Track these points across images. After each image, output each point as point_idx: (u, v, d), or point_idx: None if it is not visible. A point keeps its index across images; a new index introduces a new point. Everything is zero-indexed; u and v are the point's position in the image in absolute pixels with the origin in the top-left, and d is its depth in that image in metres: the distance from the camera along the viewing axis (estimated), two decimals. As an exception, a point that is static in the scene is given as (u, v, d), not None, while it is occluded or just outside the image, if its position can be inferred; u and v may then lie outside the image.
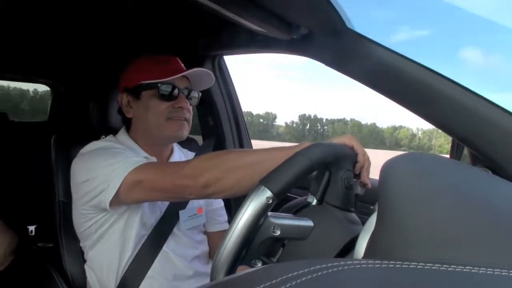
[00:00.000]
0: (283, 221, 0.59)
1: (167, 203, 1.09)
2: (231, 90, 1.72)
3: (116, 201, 0.93)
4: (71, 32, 1.62)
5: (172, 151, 1.18)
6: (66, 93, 2.37)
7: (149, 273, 1.01)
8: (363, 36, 0.89)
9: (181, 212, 1.10)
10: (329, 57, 0.98)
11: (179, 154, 1.21)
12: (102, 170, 0.92)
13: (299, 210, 0.66)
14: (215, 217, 1.24)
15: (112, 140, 1.08)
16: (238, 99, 1.75)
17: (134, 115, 1.09)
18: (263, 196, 0.55)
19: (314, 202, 0.67)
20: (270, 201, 0.55)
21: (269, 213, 0.57)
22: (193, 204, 1.14)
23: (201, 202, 1.18)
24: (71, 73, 2.24)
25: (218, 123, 1.69)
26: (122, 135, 1.12)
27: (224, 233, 0.56)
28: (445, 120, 0.80)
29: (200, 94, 1.15)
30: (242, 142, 1.74)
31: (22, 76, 2.36)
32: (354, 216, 0.68)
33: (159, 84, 1.03)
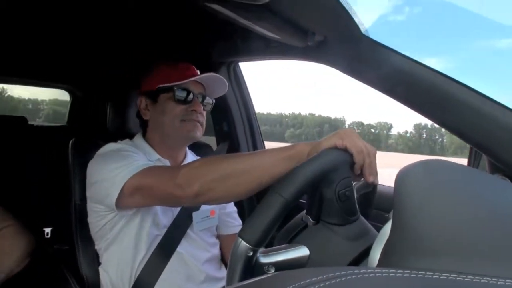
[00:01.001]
0: (276, 257, 0.57)
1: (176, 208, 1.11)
2: (246, 96, 1.73)
3: (121, 204, 0.96)
4: (88, 38, 1.66)
5: (185, 155, 1.20)
6: (84, 97, 2.43)
7: (163, 275, 1.03)
8: (379, 43, 0.89)
9: (194, 214, 1.12)
10: (344, 64, 0.98)
11: (192, 158, 1.23)
12: (108, 174, 0.96)
13: (297, 235, 0.64)
14: (228, 220, 1.26)
15: (126, 143, 1.12)
16: (252, 105, 1.76)
17: (151, 117, 1.14)
18: (243, 251, 0.54)
19: (311, 222, 0.64)
20: (251, 253, 0.54)
21: (260, 253, 0.56)
22: (206, 206, 1.16)
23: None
24: (88, 78, 2.29)
25: (232, 129, 1.70)
26: (138, 138, 1.16)
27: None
28: (462, 128, 0.79)
29: (214, 101, 1.19)
30: (256, 148, 1.75)
31: (40, 81, 2.43)
32: (357, 225, 0.64)
33: (175, 88, 1.08)
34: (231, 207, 1.30)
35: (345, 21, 0.85)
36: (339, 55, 0.99)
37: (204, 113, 1.14)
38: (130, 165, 0.94)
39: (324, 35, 1.01)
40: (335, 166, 0.63)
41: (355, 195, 0.66)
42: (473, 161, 0.89)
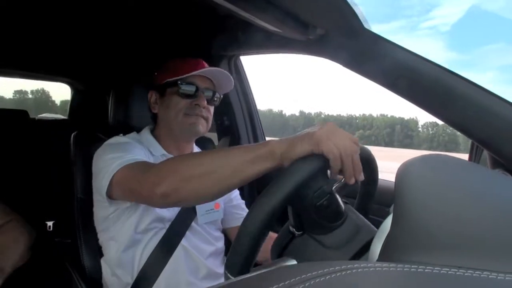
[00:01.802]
0: None
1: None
2: (247, 90, 1.73)
3: (112, 196, 0.96)
4: (89, 32, 1.65)
5: (192, 150, 1.21)
6: (85, 91, 2.43)
7: (167, 267, 1.03)
8: (381, 36, 0.88)
9: (198, 207, 1.12)
10: (346, 58, 0.98)
11: None
12: (103, 164, 0.96)
13: (287, 246, 0.64)
14: (236, 212, 1.26)
15: (131, 137, 1.12)
16: (254, 99, 1.75)
17: (159, 111, 1.15)
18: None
19: (297, 233, 0.63)
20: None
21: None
22: None
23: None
24: (89, 71, 2.28)
25: (234, 123, 1.70)
26: (145, 133, 1.16)
27: None
28: (464, 123, 0.79)
29: (221, 96, 1.18)
30: (257, 142, 1.75)
31: (41, 74, 2.42)
32: (345, 228, 0.62)
33: (179, 82, 1.09)
34: (238, 199, 1.29)
35: (346, 14, 0.85)
36: (340, 49, 0.99)
37: (211, 108, 1.14)
38: (123, 157, 0.93)
39: (326, 28, 1.00)
40: (309, 178, 0.60)
41: (337, 198, 0.63)
42: (474, 156, 0.89)
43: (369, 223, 0.66)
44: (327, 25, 0.99)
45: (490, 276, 0.28)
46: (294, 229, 0.64)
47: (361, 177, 0.66)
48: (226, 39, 1.51)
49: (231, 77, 1.14)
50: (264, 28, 1.05)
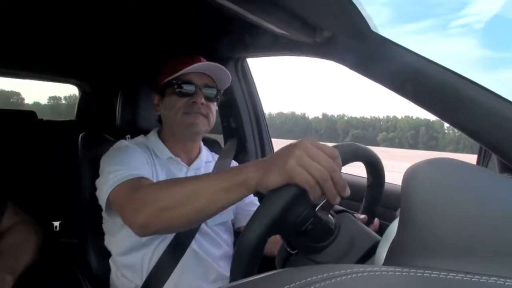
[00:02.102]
0: None
1: None
2: (253, 92, 1.73)
3: (114, 210, 0.97)
4: (97, 33, 1.67)
5: (200, 151, 1.20)
6: (92, 92, 2.45)
7: (176, 270, 1.02)
8: (388, 39, 0.88)
9: None
10: (353, 61, 0.97)
11: (207, 154, 1.22)
12: (103, 181, 0.96)
13: (285, 264, 0.64)
14: (248, 209, 1.22)
15: (136, 141, 1.13)
16: (260, 101, 1.76)
17: (161, 113, 1.14)
18: None
19: (291, 252, 0.63)
20: None
21: None
22: None
23: None
24: (97, 72, 2.30)
25: (240, 125, 1.70)
26: (152, 135, 1.16)
27: None
28: (473, 127, 0.78)
29: (221, 92, 1.15)
30: (263, 144, 1.75)
31: (50, 76, 2.45)
32: (338, 244, 0.61)
33: (174, 81, 1.08)
34: (250, 196, 1.23)
35: (354, 17, 0.85)
36: (347, 51, 0.98)
37: (212, 104, 1.12)
38: (118, 174, 0.92)
39: (333, 31, 1.00)
40: (287, 209, 0.57)
41: (323, 218, 0.61)
42: (483, 160, 0.88)
43: (367, 230, 0.64)
44: (334, 27, 0.99)
45: (498, 282, 0.28)
46: (287, 248, 0.63)
47: (346, 193, 0.61)
48: (232, 41, 1.51)
49: (225, 69, 1.11)
50: (271, 30, 1.05)
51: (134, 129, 1.25)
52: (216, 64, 1.10)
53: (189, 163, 1.15)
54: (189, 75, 1.08)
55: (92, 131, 1.28)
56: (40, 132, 2.04)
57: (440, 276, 0.29)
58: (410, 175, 0.40)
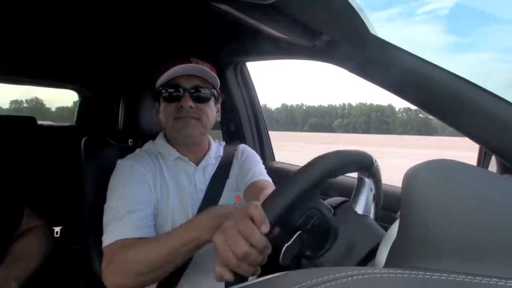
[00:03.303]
0: None
1: (198, 203, 1.08)
2: (253, 96, 1.74)
3: None
4: (97, 39, 1.68)
5: (209, 148, 1.18)
6: (92, 97, 2.45)
7: (187, 271, 1.02)
8: (388, 42, 0.88)
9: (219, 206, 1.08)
10: (353, 64, 0.97)
11: (217, 149, 1.20)
12: (107, 208, 0.99)
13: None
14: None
15: (144, 150, 1.13)
16: (259, 105, 1.76)
17: (159, 119, 1.14)
18: None
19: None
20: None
21: None
22: (228, 193, 1.12)
23: (235, 188, 1.15)
24: (96, 77, 2.31)
25: (240, 129, 1.71)
26: (160, 138, 1.17)
27: None
28: (474, 129, 0.78)
29: (217, 90, 1.13)
30: (263, 148, 1.75)
31: (49, 81, 2.45)
32: (335, 250, 0.60)
33: (161, 87, 1.08)
34: (257, 176, 1.18)
35: (352, 20, 0.85)
36: (347, 55, 0.98)
37: (204, 106, 1.08)
38: (113, 224, 0.94)
39: (332, 35, 1.00)
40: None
41: (312, 224, 0.60)
42: (483, 161, 0.88)
43: (368, 230, 0.63)
44: (333, 31, 0.99)
45: (499, 283, 0.28)
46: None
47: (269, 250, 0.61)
48: (232, 45, 1.52)
49: (205, 68, 1.07)
50: (271, 34, 1.05)
51: (137, 133, 1.25)
52: (194, 64, 1.07)
53: (197, 162, 1.14)
54: (177, 79, 1.06)
55: (95, 136, 1.28)
56: (40, 138, 2.05)
57: (441, 278, 0.29)
58: (410, 177, 0.40)
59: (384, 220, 0.78)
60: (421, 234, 0.35)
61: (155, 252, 0.83)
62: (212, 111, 1.12)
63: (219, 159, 1.19)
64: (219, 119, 1.19)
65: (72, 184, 1.27)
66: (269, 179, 1.18)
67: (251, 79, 1.74)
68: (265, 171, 1.21)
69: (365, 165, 0.68)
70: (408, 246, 0.37)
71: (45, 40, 1.70)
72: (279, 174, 1.28)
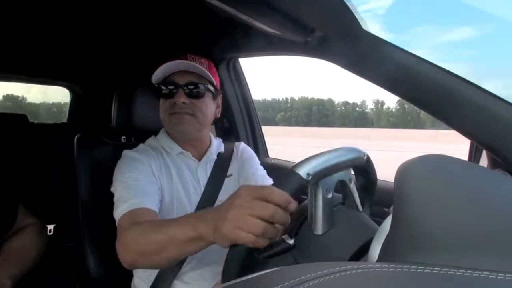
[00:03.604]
0: None
1: (195, 201, 1.09)
2: (246, 92, 1.73)
3: None
4: (88, 35, 1.66)
5: (210, 144, 1.19)
6: (84, 94, 2.43)
7: (183, 269, 1.03)
8: (380, 38, 0.88)
9: (217, 203, 1.08)
10: (345, 60, 0.97)
11: (218, 145, 1.21)
12: (116, 191, 0.97)
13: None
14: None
15: (148, 144, 1.14)
16: (252, 101, 1.76)
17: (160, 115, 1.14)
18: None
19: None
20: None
21: None
22: (228, 192, 1.12)
23: (236, 186, 1.15)
24: (88, 75, 2.29)
25: (233, 125, 1.70)
26: (162, 134, 1.17)
27: None
28: (465, 124, 0.79)
29: (212, 85, 1.12)
30: (257, 144, 1.75)
31: (40, 79, 2.42)
32: (322, 249, 0.61)
33: (157, 84, 1.09)
34: (261, 170, 1.23)
35: (345, 16, 0.85)
36: (340, 51, 0.98)
37: (199, 102, 1.08)
38: (122, 204, 0.93)
39: (325, 31, 1.00)
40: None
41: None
42: (474, 156, 0.89)
43: (361, 225, 0.64)
44: (325, 27, 0.99)
45: (490, 276, 0.28)
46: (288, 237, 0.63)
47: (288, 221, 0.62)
48: (225, 41, 1.51)
49: (194, 64, 1.07)
50: (263, 30, 1.05)
51: (130, 130, 1.24)
52: (187, 61, 1.07)
53: (199, 157, 1.15)
54: (172, 75, 1.07)
55: (88, 133, 1.27)
56: (31, 136, 2.03)
57: (433, 271, 0.29)
58: (403, 172, 0.40)
59: (377, 214, 0.79)
60: (414, 228, 0.36)
61: (158, 233, 0.80)
62: (208, 107, 1.11)
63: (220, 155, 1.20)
64: (218, 115, 1.19)
65: (65, 182, 1.26)
66: (271, 181, 1.20)
67: (244, 76, 1.73)
68: (265, 172, 1.23)
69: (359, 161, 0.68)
70: (401, 241, 0.37)
71: (35, 36, 1.67)
72: (273, 170, 1.28)
